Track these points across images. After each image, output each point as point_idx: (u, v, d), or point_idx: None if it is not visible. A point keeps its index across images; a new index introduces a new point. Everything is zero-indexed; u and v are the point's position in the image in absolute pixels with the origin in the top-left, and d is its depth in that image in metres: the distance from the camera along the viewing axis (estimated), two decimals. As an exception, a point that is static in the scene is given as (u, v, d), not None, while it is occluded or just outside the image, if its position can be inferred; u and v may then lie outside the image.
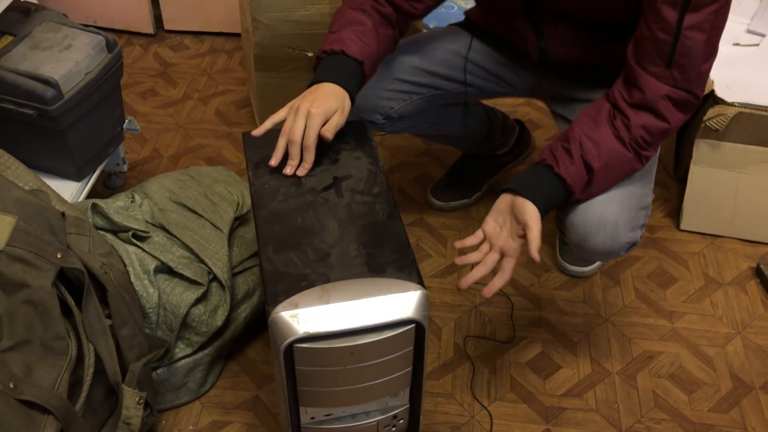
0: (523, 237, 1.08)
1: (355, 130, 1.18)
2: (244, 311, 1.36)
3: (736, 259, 1.61)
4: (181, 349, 1.29)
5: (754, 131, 1.60)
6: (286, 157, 1.09)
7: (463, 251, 1.14)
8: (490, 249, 1.10)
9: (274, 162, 1.09)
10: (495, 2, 1.33)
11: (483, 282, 1.09)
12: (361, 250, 0.98)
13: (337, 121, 1.10)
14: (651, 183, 1.24)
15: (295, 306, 0.91)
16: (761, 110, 1.58)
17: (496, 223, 1.12)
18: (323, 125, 1.09)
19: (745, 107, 1.59)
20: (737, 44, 1.77)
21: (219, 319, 1.29)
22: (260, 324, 1.43)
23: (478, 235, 1.12)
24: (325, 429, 1.05)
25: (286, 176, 1.09)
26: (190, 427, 1.28)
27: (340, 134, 1.14)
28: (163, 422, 1.29)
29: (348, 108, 1.13)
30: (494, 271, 1.09)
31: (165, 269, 1.30)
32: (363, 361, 0.94)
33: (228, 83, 2.09)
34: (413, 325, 0.93)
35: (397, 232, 1.01)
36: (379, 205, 1.05)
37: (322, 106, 1.09)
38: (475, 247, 1.11)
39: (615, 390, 1.35)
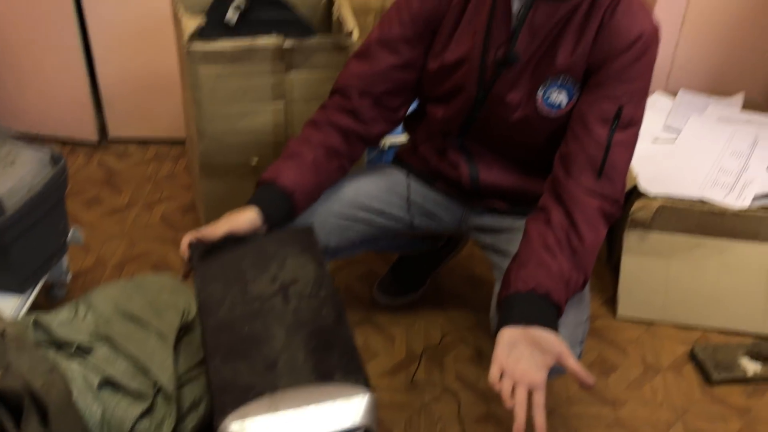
0: (550, 366, 1.05)
1: (301, 236, 1.21)
2: (191, 422, 1.34)
3: (672, 345, 1.68)
4: (125, 467, 1.26)
5: (677, 221, 1.70)
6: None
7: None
8: (514, 386, 1.02)
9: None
10: (431, 134, 1.41)
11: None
12: (309, 356, 1.00)
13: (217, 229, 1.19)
14: (586, 298, 1.27)
15: (244, 418, 0.91)
16: (682, 202, 1.69)
17: (511, 357, 1.05)
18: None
19: (667, 200, 1.70)
20: (656, 140, 1.90)
21: (165, 432, 1.27)
22: (207, 434, 1.41)
23: (495, 372, 1.05)
24: None
25: (233, 284, 1.11)
26: None
27: (287, 240, 1.18)
28: None
29: (248, 226, 1.21)
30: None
31: (109, 383, 1.28)
32: None
33: (173, 189, 2.12)
34: (362, 430, 0.94)
35: (344, 336, 1.03)
36: (326, 309, 1.07)
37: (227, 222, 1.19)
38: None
39: (565, 483, 1.37)
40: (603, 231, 1.20)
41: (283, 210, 1.25)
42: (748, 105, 2.00)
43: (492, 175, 1.39)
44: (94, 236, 1.92)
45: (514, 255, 1.20)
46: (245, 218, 1.21)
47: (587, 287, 1.27)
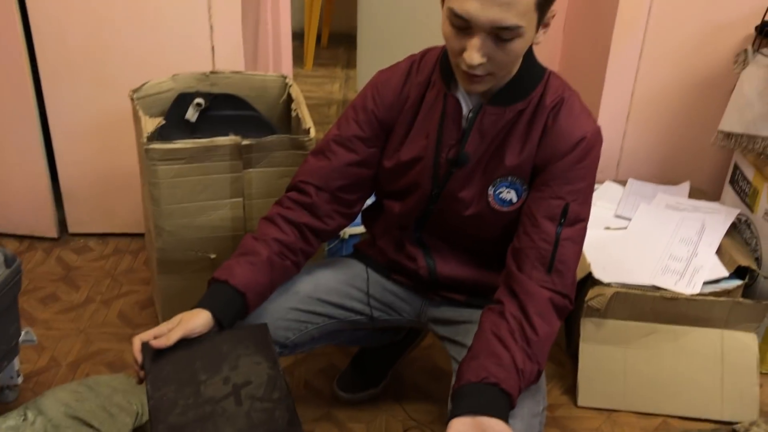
0: None
1: (255, 334, 1.21)
2: None
3: (633, 433, 1.68)
4: None
5: (631, 308, 1.74)
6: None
7: None
8: None
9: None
10: (388, 228, 1.45)
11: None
12: None
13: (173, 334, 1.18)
14: (539, 393, 1.26)
15: None
16: (635, 289, 1.73)
17: None
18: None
19: (620, 287, 1.73)
20: (608, 228, 1.96)
21: None
22: None
23: None
24: None
25: (185, 386, 1.09)
26: None
27: (241, 339, 1.18)
28: None
29: (202, 329, 1.21)
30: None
31: (57, 492, 1.24)
32: None
33: (132, 284, 2.10)
34: None
35: None
36: (279, 412, 1.06)
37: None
38: None
39: None
40: (556, 323, 1.23)
41: (234, 311, 1.26)
42: (694, 193, 2.08)
43: (449, 267, 1.41)
44: (48, 335, 1.89)
45: (469, 347, 1.21)
46: (199, 322, 1.20)
47: (543, 378, 1.27)
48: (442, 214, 1.35)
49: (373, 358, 1.75)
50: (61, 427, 1.34)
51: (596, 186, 2.11)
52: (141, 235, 2.28)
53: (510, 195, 1.29)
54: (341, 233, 1.90)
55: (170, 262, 1.73)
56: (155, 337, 1.19)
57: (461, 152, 1.27)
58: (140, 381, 1.18)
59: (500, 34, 1.10)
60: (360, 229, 1.88)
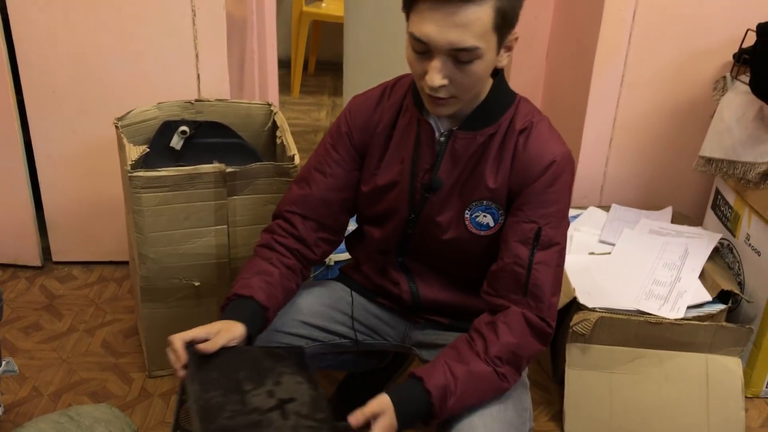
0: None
1: (293, 355, 1.24)
2: None
3: (620, 459, 1.67)
4: None
5: (616, 333, 1.74)
6: None
7: None
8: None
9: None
10: (370, 254, 1.45)
11: None
12: None
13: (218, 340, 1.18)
14: (526, 412, 1.29)
15: None
16: (619, 314, 1.73)
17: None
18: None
19: (605, 312, 1.74)
20: (592, 253, 1.97)
21: None
22: None
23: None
24: None
25: (231, 393, 1.11)
26: None
27: (280, 358, 1.21)
28: None
29: (239, 340, 1.21)
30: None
31: None
32: None
33: (116, 312, 2.09)
34: None
35: None
36: None
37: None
38: None
39: None
40: (528, 339, 1.23)
41: (260, 325, 1.27)
42: (677, 218, 2.09)
43: (432, 291, 1.42)
44: (30, 365, 1.87)
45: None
46: (237, 333, 1.21)
47: (526, 397, 1.30)
48: (421, 238, 1.36)
49: (358, 385, 1.74)
50: (41, 459, 1.32)
51: (579, 212, 2.13)
52: (125, 263, 2.27)
53: (486, 219, 1.30)
54: (327, 260, 1.90)
55: (154, 289, 1.72)
56: (194, 339, 1.18)
57: (434, 177, 1.29)
58: (182, 378, 1.17)
59: (459, 56, 1.12)
60: (345, 255, 1.88)
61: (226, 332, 1.20)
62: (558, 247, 1.26)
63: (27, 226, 2.20)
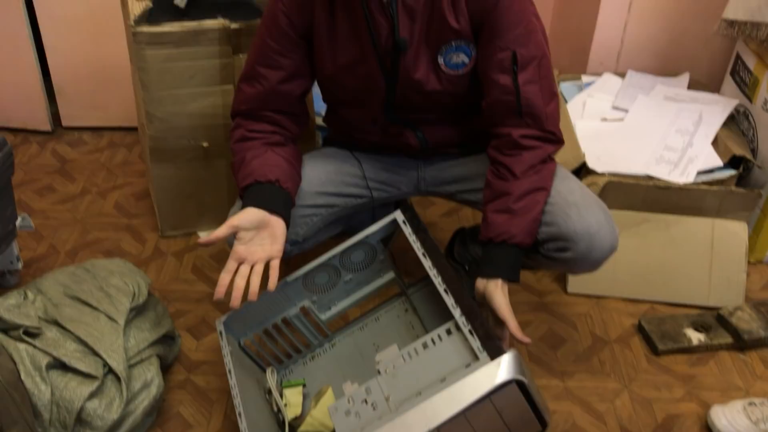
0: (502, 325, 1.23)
1: None
2: (141, 402, 1.34)
3: (620, 318, 1.71)
4: (75, 446, 1.26)
5: (624, 197, 1.74)
6: None
7: None
8: None
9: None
10: (360, 125, 1.44)
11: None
12: None
13: (276, 264, 1.23)
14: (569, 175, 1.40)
15: None
16: (628, 178, 1.73)
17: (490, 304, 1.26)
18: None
19: (614, 176, 1.73)
20: (605, 119, 1.94)
21: (115, 412, 1.28)
22: (159, 415, 1.42)
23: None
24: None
25: None
26: None
27: None
28: None
29: (282, 233, 1.25)
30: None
31: (58, 365, 1.29)
32: None
33: (127, 176, 2.11)
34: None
35: None
36: None
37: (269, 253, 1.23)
38: None
39: (514, 452, 1.40)
40: (539, 148, 1.30)
41: (284, 203, 1.28)
42: (694, 85, 2.05)
43: (437, 132, 1.43)
44: (46, 224, 1.91)
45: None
46: (280, 231, 1.25)
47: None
48: (405, 99, 1.36)
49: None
50: (59, 306, 1.37)
51: (594, 78, 2.08)
52: (135, 129, 2.26)
53: (460, 57, 1.30)
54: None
55: (163, 150, 1.72)
56: (238, 227, 1.21)
57: (397, 39, 1.27)
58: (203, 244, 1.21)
59: None
60: None
61: (274, 231, 1.24)
62: (536, 60, 1.26)
63: (34, 90, 2.19)
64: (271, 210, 1.24)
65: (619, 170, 1.76)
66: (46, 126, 2.26)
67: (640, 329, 1.68)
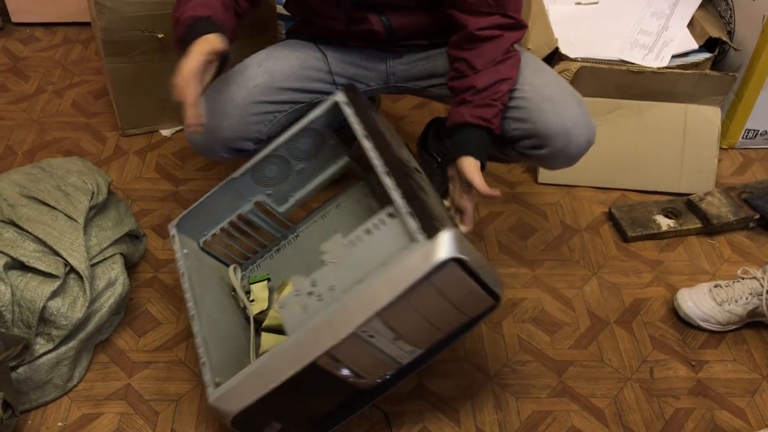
0: (471, 188, 1.21)
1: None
2: (107, 301, 1.33)
3: (591, 206, 1.71)
4: (41, 345, 1.25)
5: (597, 84, 1.70)
6: None
7: None
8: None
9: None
10: (324, 7, 1.34)
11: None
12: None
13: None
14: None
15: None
16: (601, 64, 1.68)
17: (451, 188, 1.26)
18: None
19: (587, 62, 1.68)
20: (579, 3, 1.87)
21: (79, 311, 1.26)
22: (127, 313, 1.41)
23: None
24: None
25: (387, 140, 1.18)
26: (59, 424, 1.25)
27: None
28: (29, 422, 1.25)
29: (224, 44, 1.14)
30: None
31: (17, 265, 1.26)
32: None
33: (84, 74, 2.02)
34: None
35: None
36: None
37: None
38: None
39: (482, 338, 1.41)
40: (498, 39, 1.24)
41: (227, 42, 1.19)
42: (672, -35, 1.96)
43: (403, 18, 1.35)
44: (1, 125, 1.84)
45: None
46: (218, 42, 1.13)
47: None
48: None
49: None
50: (16, 206, 1.33)
51: (570, -41, 1.99)
52: (89, 25, 2.15)
53: None
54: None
55: (116, 42, 1.64)
56: (191, 71, 1.10)
57: None
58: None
59: None
60: None
61: (206, 41, 1.12)
62: None
63: (-21, -17, 2.06)
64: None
65: (593, 56, 1.71)
66: (-5, 22, 2.15)
67: (610, 217, 1.67)
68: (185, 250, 1.30)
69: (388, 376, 1.11)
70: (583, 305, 1.49)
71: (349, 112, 1.22)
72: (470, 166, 1.20)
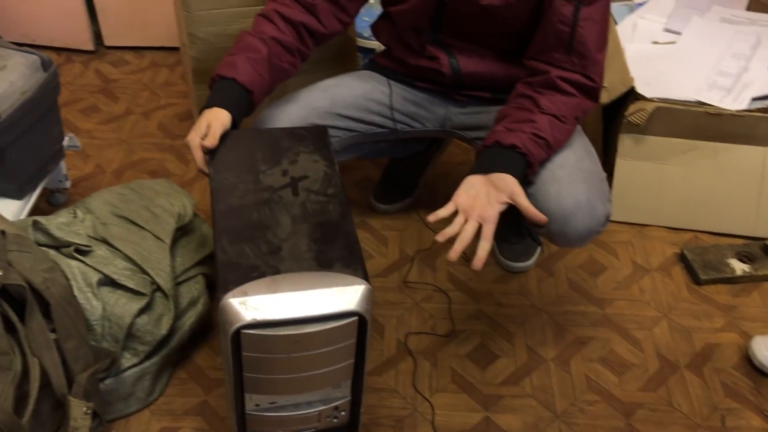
0: (504, 203, 1.16)
1: (314, 135, 1.25)
2: (189, 319, 1.39)
3: (662, 246, 1.70)
4: (127, 359, 1.32)
5: (673, 124, 1.70)
6: None
7: (438, 226, 1.19)
8: (466, 220, 1.14)
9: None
10: (403, 35, 1.40)
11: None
12: (312, 245, 1.03)
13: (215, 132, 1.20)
14: (596, 156, 1.33)
15: (245, 294, 0.96)
16: (678, 104, 1.68)
17: (468, 194, 1.17)
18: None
19: (663, 102, 1.68)
20: (656, 42, 1.87)
21: (164, 328, 1.32)
22: (206, 331, 1.47)
23: (450, 208, 1.16)
24: (268, 417, 1.09)
25: (245, 174, 1.14)
26: (140, 435, 1.31)
27: (300, 138, 1.22)
28: (113, 431, 1.31)
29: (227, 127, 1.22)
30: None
31: (108, 282, 1.33)
32: (307, 350, 0.99)
33: (170, 97, 2.11)
34: (356, 317, 0.98)
35: (347, 231, 1.07)
36: (332, 205, 1.11)
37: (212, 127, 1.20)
38: (448, 221, 1.15)
39: (550, 376, 1.42)
40: (574, 95, 1.24)
41: (244, 109, 1.26)
42: (753, 6, 1.95)
43: (472, 63, 1.39)
44: (92, 144, 1.94)
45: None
46: (226, 122, 1.22)
47: (591, 147, 1.33)
48: (456, 11, 1.31)
49: (403, 168, 1.77)
50: (108, 225, 1.41)
51: (647, -2, 2.00)
52: (176, 49, 2.26)
53: None
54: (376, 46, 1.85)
55: (205, 71, 1.72)
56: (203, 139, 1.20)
57: None
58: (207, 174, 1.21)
59: None
60: (374, 43, 1.82)
61: (217, 122, 1.20)
62: (604, 2, 1.21)
63: (77, 9, 2.18)
64: (235, 119, 1.23)
65: (669, 96, 1.70)
66: (89, 45, 2.27)
67: (682, 258, 1.66)
68: None
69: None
70: (653, 347, 1.48)
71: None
72: (516, 184, 1.16)
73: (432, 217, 1.15)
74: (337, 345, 1.01)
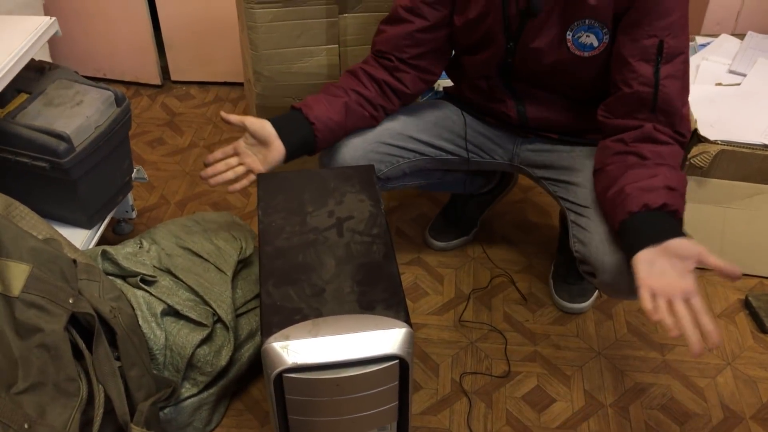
0: (694, 270, 1.07)
1: (361, 174, 1.27)
2: (247, 351, 1.41)
3: (726, 292, 1.66)
4: (187, 389, 1.34)
5: (737, 167, 1.66)
6: None
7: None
8: (670, 301, 1.05)
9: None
10: (473, 79, 1.43)
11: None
12: (355, 287, 1.04)
13: (251, 177, 1.30)
14: None
15: (287, 338, 0.97)
16: (743, 147, 1.65)
17: (653, 275, 1.07)
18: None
19: (727, 145, 1.65)
20: (719, 84, 1.84)
21: (223, 359, 1.35)
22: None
23: (646, 296, 1.05)
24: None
25: (292, 216, 1.17)
26: (197, 465, 1.33)
27: (347, 177, 1.25)
28: (170, 460, 1.33)
29: (275, 161, 1.31)
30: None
31: (171, 312, 1.36)
32: (349, 393, 1.00)
33: (233, 131, 2.17)
34: (397, 361, 0.98)
35: (390, 272, 1.07)
36: (377, 246, 1.12)
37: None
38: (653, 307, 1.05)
39: (608, 422, 1.39)
40: (671, 146, 1.21)
41: (301, 138, 1.32)
42: (821, 47, 1.91)
43: (539, 111, 1.41)
44: (157, 175, 2.00)
45: (602, 197, 1.23)
46: (269, 129, 1.30)
47: None
48: (523, 64, 1.34)
49: (463, 207, 1.78)
50: (172, 256, 1.45)
51: (710, 39, 1.98)
52: (240, 85, 2.32)
53: (590, 39, 1.25)
54: (435, 85, 1.88)
55: (268, 108, 1.76)
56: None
57: (532, 2, 1.23)
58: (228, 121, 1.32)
59: None
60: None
61: (258, 121, 1.29)
62: (683, 56, 1.20)
63: (146, 44, 2.27)
64: (283, 137, 1.29)
65: (733, 138, 1.67)
66: (156, 80, 2.35)
67: (746, 305, 1.62)
68: None
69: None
70: (716, 396, 1.44)
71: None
72: (697, 244, 1.08)
73: (653, 318, 1.04)
74: (379, 388, 1.01)
